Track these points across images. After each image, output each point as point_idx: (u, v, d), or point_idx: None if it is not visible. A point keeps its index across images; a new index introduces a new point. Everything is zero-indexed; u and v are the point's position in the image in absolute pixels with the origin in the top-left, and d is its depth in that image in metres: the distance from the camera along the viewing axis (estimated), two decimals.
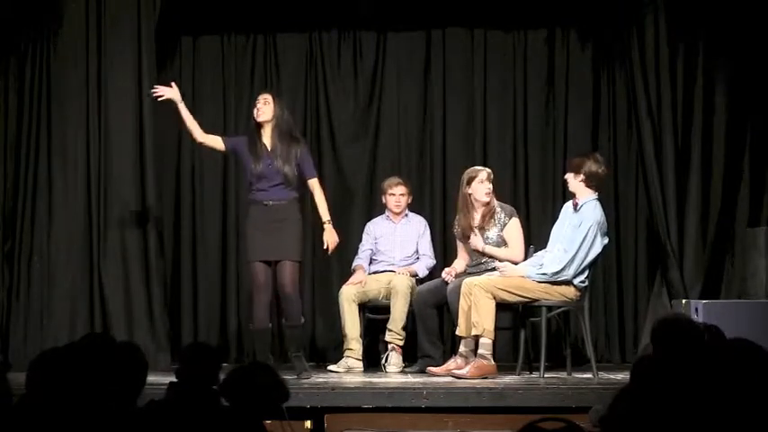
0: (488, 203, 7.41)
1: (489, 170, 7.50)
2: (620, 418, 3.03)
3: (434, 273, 8.10)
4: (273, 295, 7.15)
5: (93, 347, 3.75)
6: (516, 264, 7.20)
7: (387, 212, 8.06)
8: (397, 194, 7.97)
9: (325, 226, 7.17)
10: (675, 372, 3.36)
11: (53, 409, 3.42)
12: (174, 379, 4.05)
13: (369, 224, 8.11)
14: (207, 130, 8.50)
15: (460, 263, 7.63)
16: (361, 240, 8.08)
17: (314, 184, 7.20)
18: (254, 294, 7.09)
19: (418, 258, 8.00)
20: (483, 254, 7.40)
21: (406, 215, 8.04)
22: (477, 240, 7.40)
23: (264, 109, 7.11)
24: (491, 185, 7.42)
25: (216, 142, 7.23)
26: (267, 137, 7.09)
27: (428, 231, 8.08)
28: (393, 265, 7.93)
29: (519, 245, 7.40)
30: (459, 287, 7.11)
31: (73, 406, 3.43)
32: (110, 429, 3.43)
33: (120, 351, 3.78)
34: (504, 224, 7.41)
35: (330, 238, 7.16)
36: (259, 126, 7.12)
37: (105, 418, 3.43)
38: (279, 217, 7.02)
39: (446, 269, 7.61)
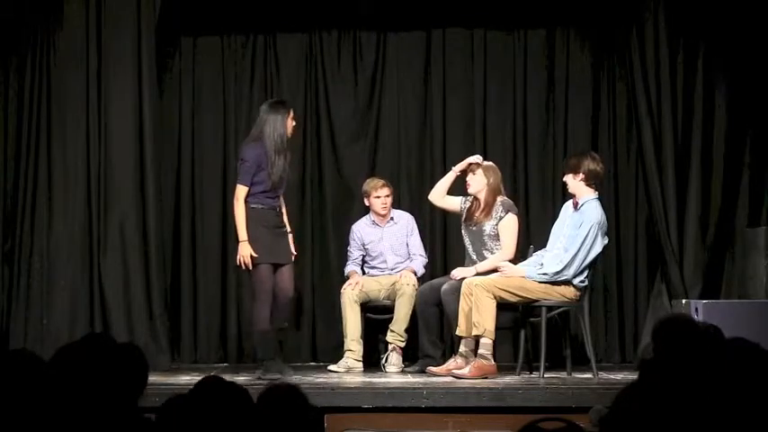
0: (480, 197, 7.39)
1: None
2: (624, 418, 3.03)
3: (435, 272, 8.10)
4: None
5: (93, 348, 3.74)
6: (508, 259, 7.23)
7: (371, 215, 7.96)
8: (382, 196, 7.84)
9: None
10: (681, 372, 3.36)
11: (52, 410, 3.42)
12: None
13: (353, 228, 8.00)
14: (207, 130, 8.55)
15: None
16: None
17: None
18: (264, 295, 7.01)
19: (412, 257, 7.97)
20: (478, 274, 7.29)
21: (392, 217, 7.98)
22: (464, 272, 7.33)
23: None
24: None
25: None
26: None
27: (416, 228, 8.02)
28: (388, 269, 7.91)
29: (510, 241, 7.35)
30: (454, 288, 7.11)
31: (73, 407, 3.43)
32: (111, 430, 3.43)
33: (120, 352, 3.77)
34: (501, 218, 7.40)
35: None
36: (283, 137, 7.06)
37: (106, 419, 3.43)
38: (280, 222, 7.16)
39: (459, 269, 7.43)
